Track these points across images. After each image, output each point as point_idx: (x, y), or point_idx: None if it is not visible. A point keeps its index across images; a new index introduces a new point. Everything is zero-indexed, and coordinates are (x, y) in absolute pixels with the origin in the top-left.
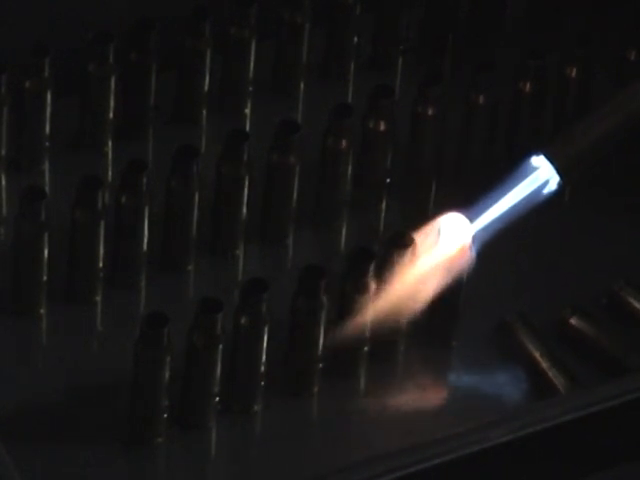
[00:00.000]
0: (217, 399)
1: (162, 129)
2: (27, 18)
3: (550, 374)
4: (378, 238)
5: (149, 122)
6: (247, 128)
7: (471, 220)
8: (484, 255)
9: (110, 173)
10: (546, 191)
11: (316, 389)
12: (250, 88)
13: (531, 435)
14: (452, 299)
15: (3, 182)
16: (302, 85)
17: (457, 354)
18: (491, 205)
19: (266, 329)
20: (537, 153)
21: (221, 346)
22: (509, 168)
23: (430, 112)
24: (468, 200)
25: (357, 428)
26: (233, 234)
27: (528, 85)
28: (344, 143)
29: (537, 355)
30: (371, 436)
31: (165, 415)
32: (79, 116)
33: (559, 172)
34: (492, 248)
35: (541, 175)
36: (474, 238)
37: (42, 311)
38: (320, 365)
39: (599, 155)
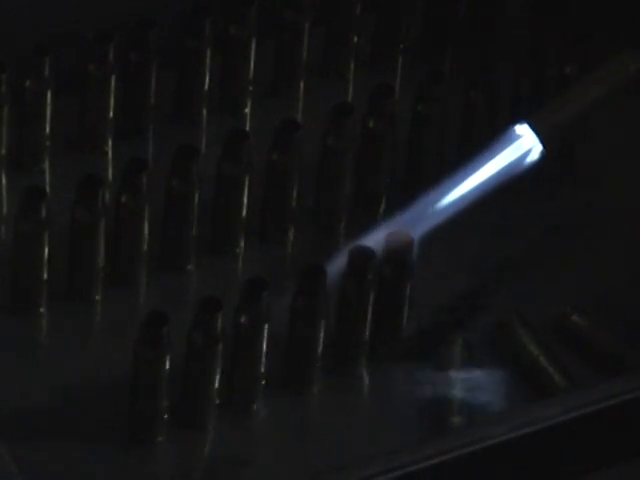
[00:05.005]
0: (217, 398)
1: (162, 129)
2: (27, 18)
3: (548, 373)
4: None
5: (149, 122)
6: (247, 128)
7: (452, 187)
8: (484, 255)
9: (110, 173)
10: (528, 160)
11: (316, 389)
12: (250, 88)
13: (529, 434)
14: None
15: (3, 181)
16: (302, 85)
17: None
18: (472, 172)
19: (266, 328)
20: (521, 121)
21: (221, 345)
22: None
23: (431, 112)
24: None
25: (357, 427)
26: (233, 233)
27: (527, 85)
28: (344, 143)
29: (536, 355)
30: (371, 435)
31: (165, 415)
32: (79, 116)
33: (542, 141)
34: (491, 248)
35: (524, 144)
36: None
37: (42, 310)
38: (319, 364)
39: (582, 125)
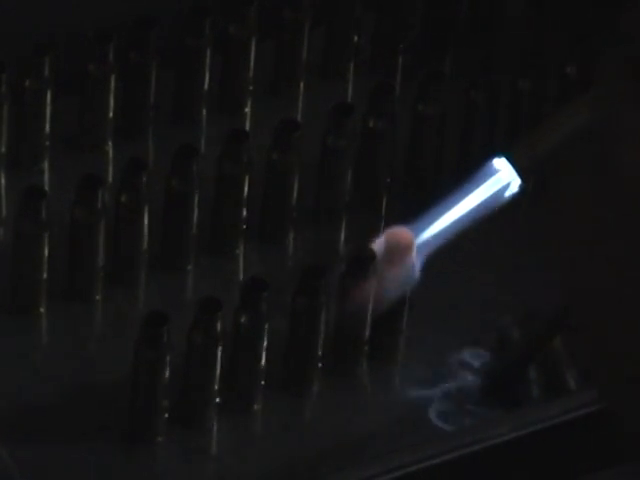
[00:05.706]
0: (217, 398)
1: (162, 129)
2: (27, 18)
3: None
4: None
5: (149, 122)
6: (247, 128)
7: (430, 223)
8: (483, 254)
9: (110, 173)
10: (508, 194)
11: (316, 389)
12: (250, 88)
13: (529, 434)
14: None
15: (3, 181)
16: (302, 85)
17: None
18: (451, 207)
19: (266, 328)
20: (499, 155)
21: (221, 345)
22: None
23: (431, 111)
24: None
25: (357, 428)
26: (233, 234)
27: (528, 85)
28: (344, 143)
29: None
30: (371, 435)
31: (165, 414)
32: (79, 116)
33: (521, 174)
34: (492, 247)
35: (503, 177)
36: (425, 246)
37: (42, 310)
38: (319, 364)
39: (561, 157)
